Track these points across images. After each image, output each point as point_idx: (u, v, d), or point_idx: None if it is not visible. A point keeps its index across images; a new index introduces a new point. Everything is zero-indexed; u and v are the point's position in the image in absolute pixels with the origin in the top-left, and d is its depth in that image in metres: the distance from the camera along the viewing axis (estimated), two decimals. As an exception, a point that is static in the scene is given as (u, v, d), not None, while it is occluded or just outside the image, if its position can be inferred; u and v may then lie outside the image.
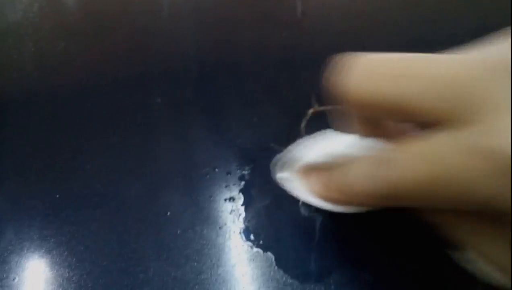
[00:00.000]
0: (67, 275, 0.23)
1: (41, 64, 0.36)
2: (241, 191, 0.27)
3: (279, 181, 0.25)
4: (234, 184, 0.27)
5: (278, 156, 0.25)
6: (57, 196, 0.26)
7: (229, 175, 0.28)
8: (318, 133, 0.25)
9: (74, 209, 0.26)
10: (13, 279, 0.23)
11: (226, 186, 0.27)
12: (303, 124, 0.31)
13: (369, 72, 0.20)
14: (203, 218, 0.26)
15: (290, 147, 0.25)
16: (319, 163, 0.24)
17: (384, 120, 0.22)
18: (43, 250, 0.24)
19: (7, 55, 0.37)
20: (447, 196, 0.17)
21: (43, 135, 0.30)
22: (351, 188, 0.21)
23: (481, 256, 0.19)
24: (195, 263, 0.24)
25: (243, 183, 0.27)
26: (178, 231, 0.25)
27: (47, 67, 0.36)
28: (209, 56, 0.37)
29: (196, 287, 0.23)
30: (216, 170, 0.28)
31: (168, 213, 0.26)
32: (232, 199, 0.27)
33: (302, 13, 0.41)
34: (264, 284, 0.23)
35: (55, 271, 0.23)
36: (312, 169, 0.24)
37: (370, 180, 0.20)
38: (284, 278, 0.23)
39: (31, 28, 0.39)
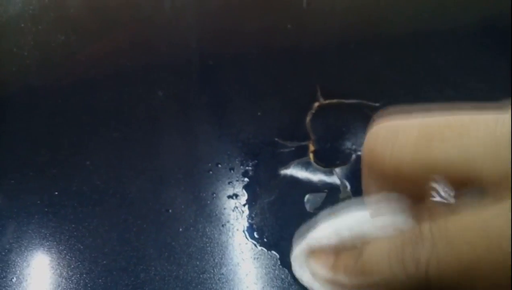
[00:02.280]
0: (66, 274, 0.23)
1: (41, 57, 0.35)
2: (245, 187, 0.26)
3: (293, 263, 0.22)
4: (237, 181, 0.27)
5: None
6: (56, 193, 0.26)
7: (232, 171, 0.27)
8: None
9: (73, 206, 0.25)
10: (12, 279, 0.22)
11: (229, 183, 0.26)
12: (308, 118, 0.30)
13: (394, 133, 0.18)
14: (205, 216, 0.25)
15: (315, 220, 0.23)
16: (324, 243, 0.21)
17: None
18: (42, 249, 0.24)
19: (6, 48, 0.36)
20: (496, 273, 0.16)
21: (43, 130, 0.29)
22: (366, 268, 0.19)
23: None
24: (198, 262, 0.23)
25: (246, 179, 0.26)
26: (180, 229, 0.24)
27: (46, 60, 0.35)
28: (213, 49, 0.36)
29: (199, 286, 0.22)
30: (219, 166, 0.27)
31: (170, 211, 0.25)
32: (235, 195, 0.26)
33: (307, 4, 0.40)
34: (268, 283, 0.23)
35: (54, 271, 0.23)
36: (317, 250, 0.22)
37: (394, 258, 0.18)
38: (289, 278, 0.23)
39: (31, 21, 0.38)
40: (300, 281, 0.22)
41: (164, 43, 0.37)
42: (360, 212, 0.20)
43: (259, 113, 0.30)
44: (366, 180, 0.21)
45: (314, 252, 0.21)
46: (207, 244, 0.24)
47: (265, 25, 0.38)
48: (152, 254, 0.23)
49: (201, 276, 0.23)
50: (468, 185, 0.17)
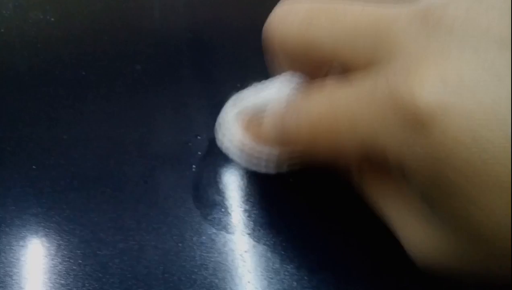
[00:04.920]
0: (43, 245, 0.23)
1: (17, 32, 0.35)
2: (223, 159, 0.26)
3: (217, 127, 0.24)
4: (216, 152, 0.26)
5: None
6: (34, 167, 0.26)
7: (211, 142, 0.27)
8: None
9: (51, 180, 0.25)
10: (-11, 252, 0.22)
11: (208, 154, 0.26)
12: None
13: (286, 15, 0.20)
14: (183, 187, 0.25)
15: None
16: (244, 108, 0.24)
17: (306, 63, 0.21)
18: (19, 223, 0.23)
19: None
20: (342, 145, 0.17)
21: (19, 105, 0.29)
22: (265, 129, 0.22)
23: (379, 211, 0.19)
24: (177, 231, 0.23)
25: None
26: (158, 200, 0.24)
27: (23, 35, 0.34)
28: (194, 20, 0.36)
29: (178, 254, 0.23)
30: (198, 137, 0.27)
31: (148, 181, 0.25)
32: (214, 167, 0.26)
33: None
34: (248, 250, 0.23)
35: (30, 243, 0.23)
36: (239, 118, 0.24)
37: (277, 125, 0.20)
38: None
39: (7, -4, 0.38)
40: (220, 145, 0.24)
41: (145, 19, 0.36)
42: (271, 87, 0.23)
43: (238, 85, 0.30)
44: (268, 58, 0.23)
45: (235, 119, 0.24)
46: (186, 214, 0.24)
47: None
48: (130, 224, 0.23)
49: (179, 245, 0.23)
50: (337, 68, 0.18)
